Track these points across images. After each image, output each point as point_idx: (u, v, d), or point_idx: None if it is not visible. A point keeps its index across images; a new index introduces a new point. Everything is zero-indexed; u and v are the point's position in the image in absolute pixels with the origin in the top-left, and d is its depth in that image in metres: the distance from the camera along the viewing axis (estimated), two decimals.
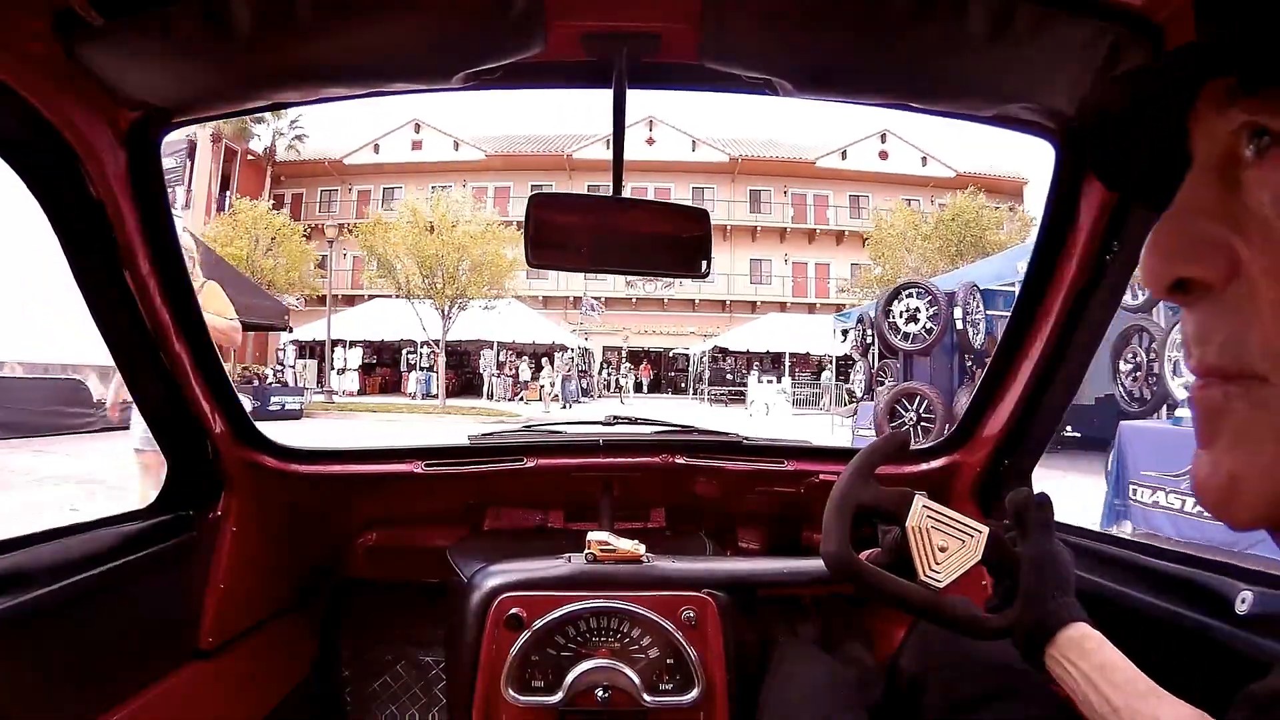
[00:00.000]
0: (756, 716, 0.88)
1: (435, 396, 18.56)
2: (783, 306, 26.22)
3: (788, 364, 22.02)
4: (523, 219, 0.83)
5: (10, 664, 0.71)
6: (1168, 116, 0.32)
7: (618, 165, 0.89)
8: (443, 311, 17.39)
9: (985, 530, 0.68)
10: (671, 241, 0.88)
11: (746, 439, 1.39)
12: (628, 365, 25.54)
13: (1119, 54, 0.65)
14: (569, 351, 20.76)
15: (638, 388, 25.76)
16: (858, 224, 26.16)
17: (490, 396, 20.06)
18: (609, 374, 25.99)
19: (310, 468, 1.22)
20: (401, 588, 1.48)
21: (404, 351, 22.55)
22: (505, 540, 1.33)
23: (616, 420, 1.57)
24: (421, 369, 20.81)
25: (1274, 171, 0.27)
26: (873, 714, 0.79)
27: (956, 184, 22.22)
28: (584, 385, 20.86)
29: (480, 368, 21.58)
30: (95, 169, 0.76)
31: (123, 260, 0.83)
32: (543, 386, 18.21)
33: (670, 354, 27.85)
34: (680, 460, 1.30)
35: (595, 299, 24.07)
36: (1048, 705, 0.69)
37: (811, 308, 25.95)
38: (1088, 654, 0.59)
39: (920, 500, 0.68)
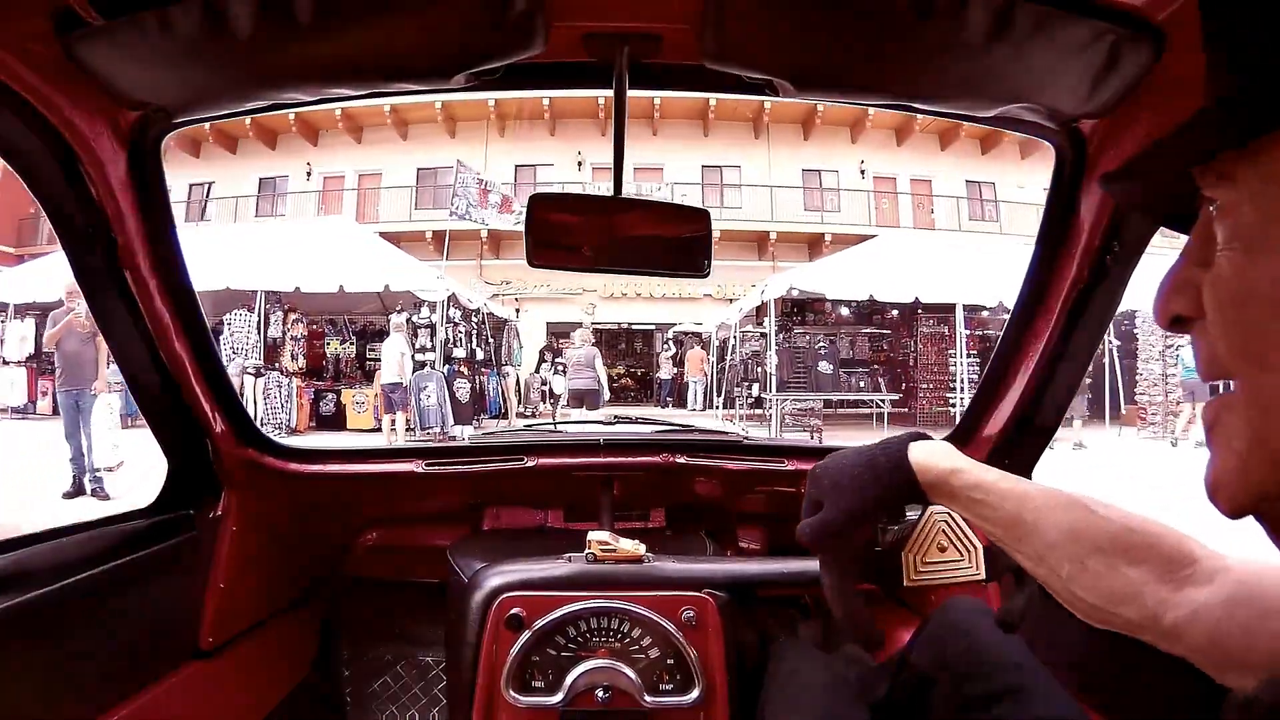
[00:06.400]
0: (757, 717, 0.88)
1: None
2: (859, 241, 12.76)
3: (961, 334, 10.20)
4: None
5: (10, 664, 0.71)
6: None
7: (618, 165, 0.89)
8: None
9: (980, 546, 0.70)
10: (672, 241, 0.88)
11: (747, 438, 1.39)
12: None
13: (1119, 54, 0.65)
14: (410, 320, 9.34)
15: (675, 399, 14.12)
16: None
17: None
18: (547, 374, 12.75)
19: (310, 467, 1.22)
20: (401, 588, 1.48)
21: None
22: (505, 540, 1.33)
23: (617, 420, 1.58)
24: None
25: (1219, 226, 0.34)
26: (875, 712, 0.79)
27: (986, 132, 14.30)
28: (477, 398, 9.89)
29: (227, 348, 9.37)
30: (95, 169, 0.76)
31: (123, 260, 0.83)
32: None
33: (671, 334, 16.00)
34: (680, 460, 1.30)
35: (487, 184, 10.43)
36: (1057, 705, 0.69)
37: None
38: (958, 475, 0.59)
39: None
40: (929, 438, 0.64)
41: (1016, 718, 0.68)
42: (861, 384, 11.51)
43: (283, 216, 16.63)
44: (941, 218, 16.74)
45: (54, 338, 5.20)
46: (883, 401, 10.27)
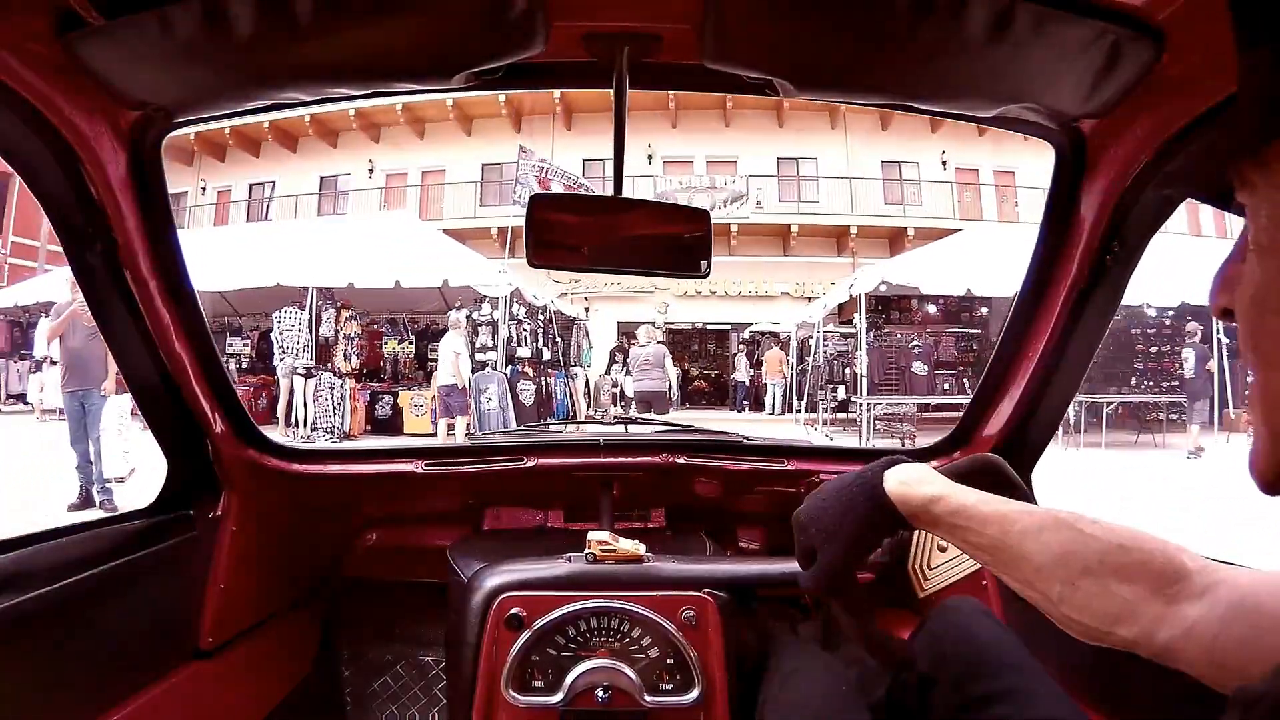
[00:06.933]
0: (756, 716, 0.88)
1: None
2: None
3: None
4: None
5: (10, 664, 0.71)
6: None
7: (618, 165, 0.89)
8: None
9: None
10: (672, 241, 0.88)
11: (746, 439, 1.39)
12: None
13: (1119, 54, 0.65)
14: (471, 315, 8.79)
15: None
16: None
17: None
18: (618, 376, 12.37)
19: (310, 467, 1.22)
20: (401, 588, 1.48)
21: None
22: (505, 540, 1.33)
23: (617, 420, 1.58)
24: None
25: (1247, 226, 0.35)
26: (875, 712, 0.79)
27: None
28: (543, 400, 9.30)
29: (276, 348, 8.85)
30: (95, 169, 0.76)
31: (123, 260, 0.83)
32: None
33: (747, 334, 15.43)
34: (680, 460, 1.30)
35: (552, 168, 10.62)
36: (1057, 705, 0.69)
37: None
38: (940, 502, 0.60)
39: None
40: (906, 461, 0.65)
41: (1016, 718, 0.68)
42: (945, 385, 10.34)
43: (344, 216, 15.78)
44: (1025, 211, 15.29)
45: (56, 331, 4.62)
46: None
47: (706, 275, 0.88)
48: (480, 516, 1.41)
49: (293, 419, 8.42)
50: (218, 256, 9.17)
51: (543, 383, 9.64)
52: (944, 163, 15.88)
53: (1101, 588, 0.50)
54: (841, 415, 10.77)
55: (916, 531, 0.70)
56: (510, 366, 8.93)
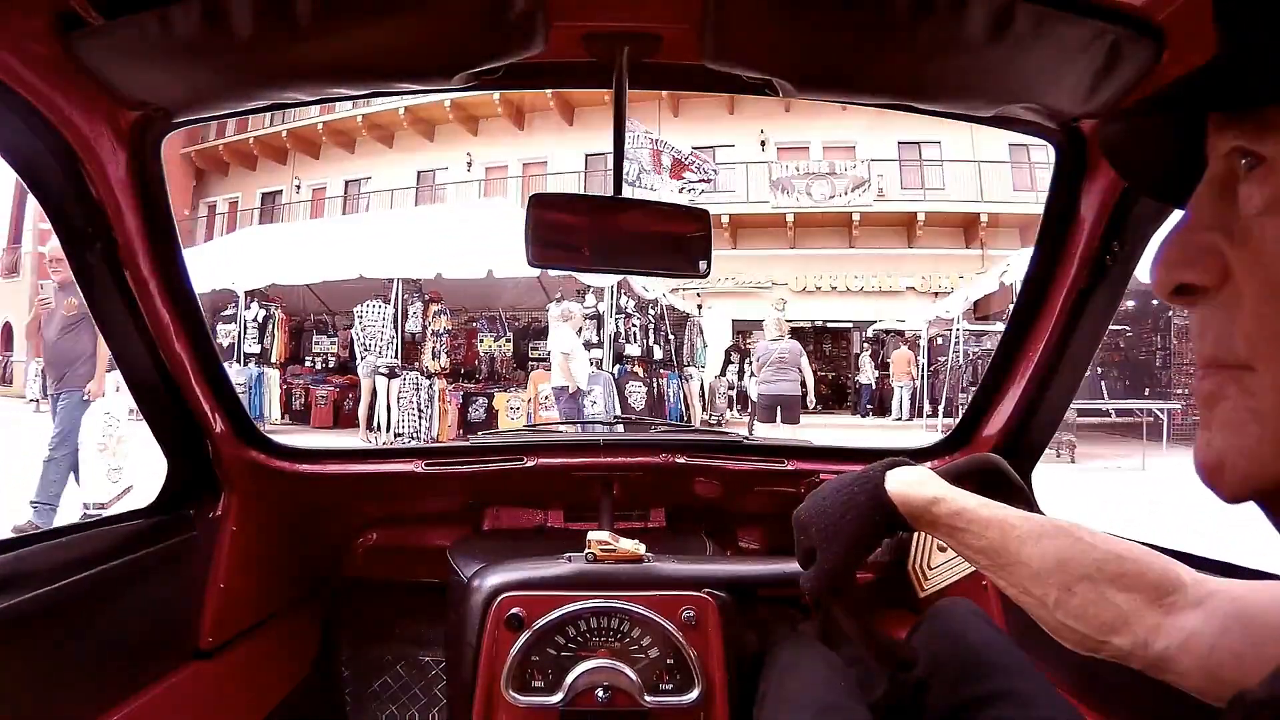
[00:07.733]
0: (755, 706, 0.88)
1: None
2: None
3: None
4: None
5: (10, 664, 0.71)
6: (1186, 129, 0.34)
7: (618, 165, 0.89)
8: None
9: None
10: (672, 241, 0.88)
11: (746, 439, 1.39)
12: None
13: (1119, 54, 0.65)
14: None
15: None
16: None
17: None
18: (734, 377, 12.04)
19: (310, 467, 1.22)
20: (401, 588, 1.48)
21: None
22: (505, 540, 1.33)
23: (618, 420, 1.58)
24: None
25: (1258, 186, 0.30)
26: (874, 712, 0.80)
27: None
28: (654, 403, 8.56)
29: (358, 346, 8.24)
30: (95, 169, 0.76)
31: (123, 260, 0.83)
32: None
33: (870, 332, 14.46)
34: (680, 460, 1.30)
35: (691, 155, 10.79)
36: (1050, 707, 0.69)
37: None
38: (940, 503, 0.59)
39: None
40: (907, 463, 0.65)
41: (1015, 719, 0.68)
42: (1116, 387, 8.97)
43: (435, 205, 15.39)
44: None
45: (33, 326, 3.88)
46: (1160, 411, 7.57)
47: (705, 275, 0.88)
48: (480, 516, 1.41)
49: (374, 422, 7.77)
50: (300, 250, 8.89)
51: (654, 384, 8.85)
52: None
53: (1098, 594, 0.50)
54: None
55: (916, 532, 0.70)
56: (618, 366, 8.16)
